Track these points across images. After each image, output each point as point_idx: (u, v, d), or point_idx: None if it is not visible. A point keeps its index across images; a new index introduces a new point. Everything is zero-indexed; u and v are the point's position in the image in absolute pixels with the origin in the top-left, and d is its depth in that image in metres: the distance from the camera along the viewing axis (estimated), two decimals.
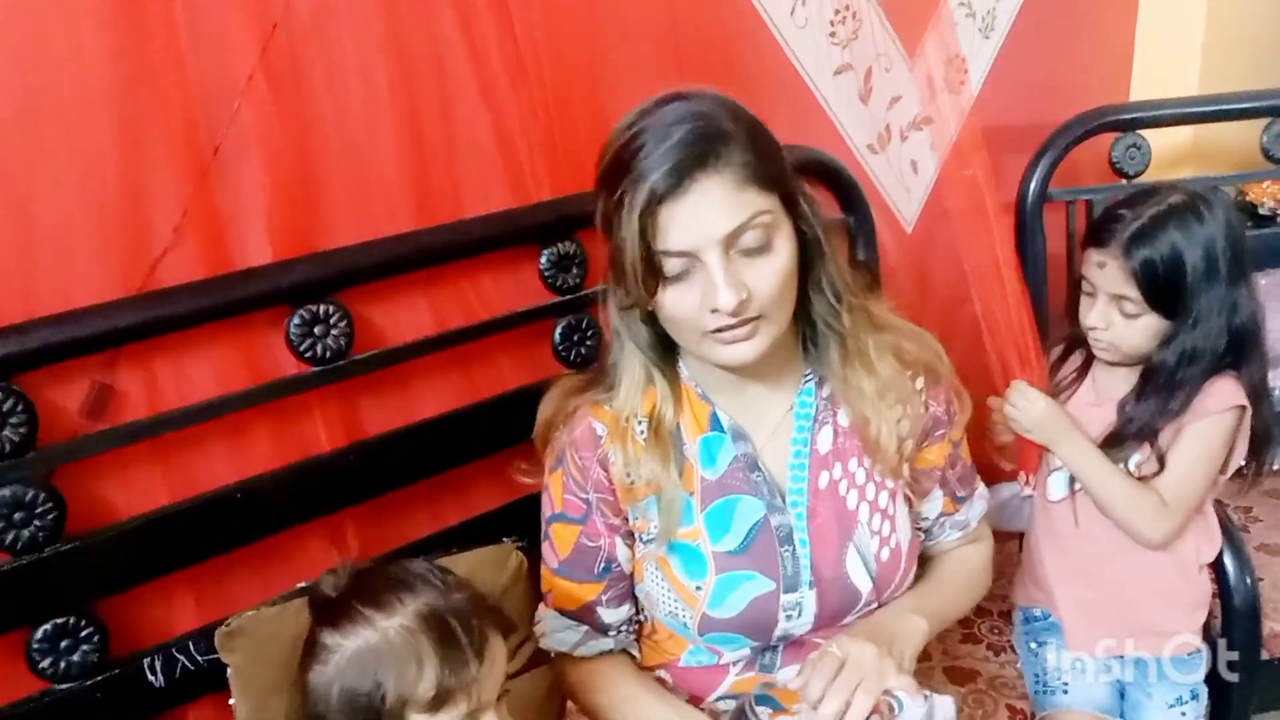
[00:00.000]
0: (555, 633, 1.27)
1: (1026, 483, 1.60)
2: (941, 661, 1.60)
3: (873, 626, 1.20)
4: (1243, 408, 1.45)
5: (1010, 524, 1.67)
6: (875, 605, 1.23)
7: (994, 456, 1.61)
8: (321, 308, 1.38)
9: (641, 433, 1.18)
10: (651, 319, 1.15)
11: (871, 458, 1.20)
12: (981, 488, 1.39)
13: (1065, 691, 1.52)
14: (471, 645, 0.97)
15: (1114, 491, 1.45)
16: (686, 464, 1.20)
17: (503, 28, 1.51)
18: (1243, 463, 1.51)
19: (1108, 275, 1.43)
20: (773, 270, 1.05)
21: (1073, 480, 1.52)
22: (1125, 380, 1.51)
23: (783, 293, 1.07)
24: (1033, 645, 1.59)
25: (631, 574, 1.26)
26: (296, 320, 1.37)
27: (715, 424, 1.20)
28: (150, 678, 1.30)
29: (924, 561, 1.36)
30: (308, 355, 1.39)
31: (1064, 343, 1.62)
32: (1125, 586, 1.52)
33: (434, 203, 1.52)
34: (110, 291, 1.26)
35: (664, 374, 1.18)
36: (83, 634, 1.24)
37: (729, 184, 1.02)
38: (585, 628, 1.25)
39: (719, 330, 1.05)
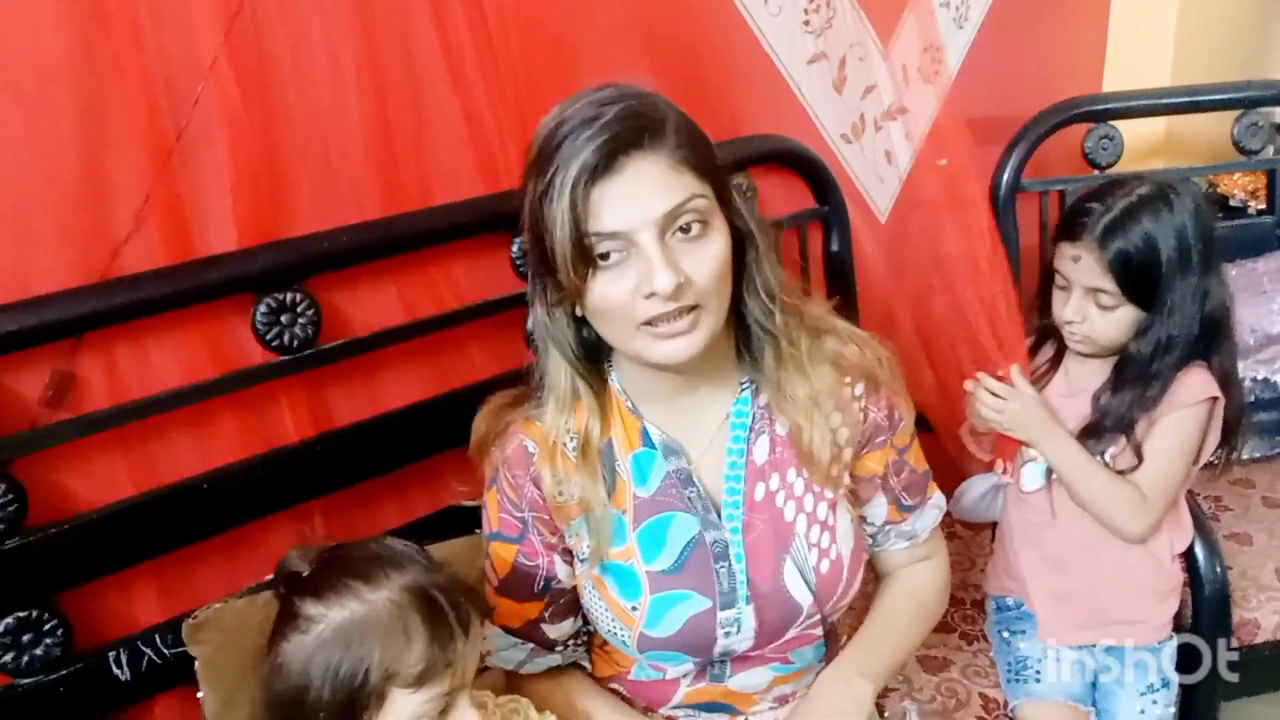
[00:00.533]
0: (501, 651, 1.24)
1: (1005, 471, 1.59)
2: (915, 650, 1.60)
3: (813, 708, 1.19)
4: (1215, 399, 1.46)
5: (986, 515, 1.67)
6: (818, 617, 1.19)
7: (970, 446, 1.61)
8: (288, 295, 1.37)
9: (572, 450, 1.14)
10: (579, 323, 1.11)
11: (805, 468, 1.16)
12: (936, 497, 1.33)
13: (1038, 680, 1.53)
14: (458, 622, 0.96)
15: (1095, 486, 1.46)
16: (619, 481, 1.16)
17: (473, 13, 1.49)
18: (1213, 452, 1.52)
19: (1083, 268, 1.43)
20: (710, 256, 1.02)
21: (1049, 471, 1.52)
22: (1099, 371, 1.52)
23: (719, 282, 1.03)
24: (1005, 634, 1.59)
25: (574, 589, 1.23)
26: (263, 308, 1.35)
27: (646, 439, 1.16)
28: (115, 671, 1.28)
29: (875, 570, 1.35)
30: (274, 344, 1.37)
31: (1035, 335, 1.62)
32: (1098, 578, 1.52)
33: (403, 189, 1.50)
34: (71, 278, 1.24)
35: (591, 386, 1.14)
36: (45, 628, 1.22)
37: (664, 164, 0.99)
38: (531, 645, 1.23)
39: (655, 322, 1.01)
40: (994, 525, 1.69)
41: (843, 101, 2.11)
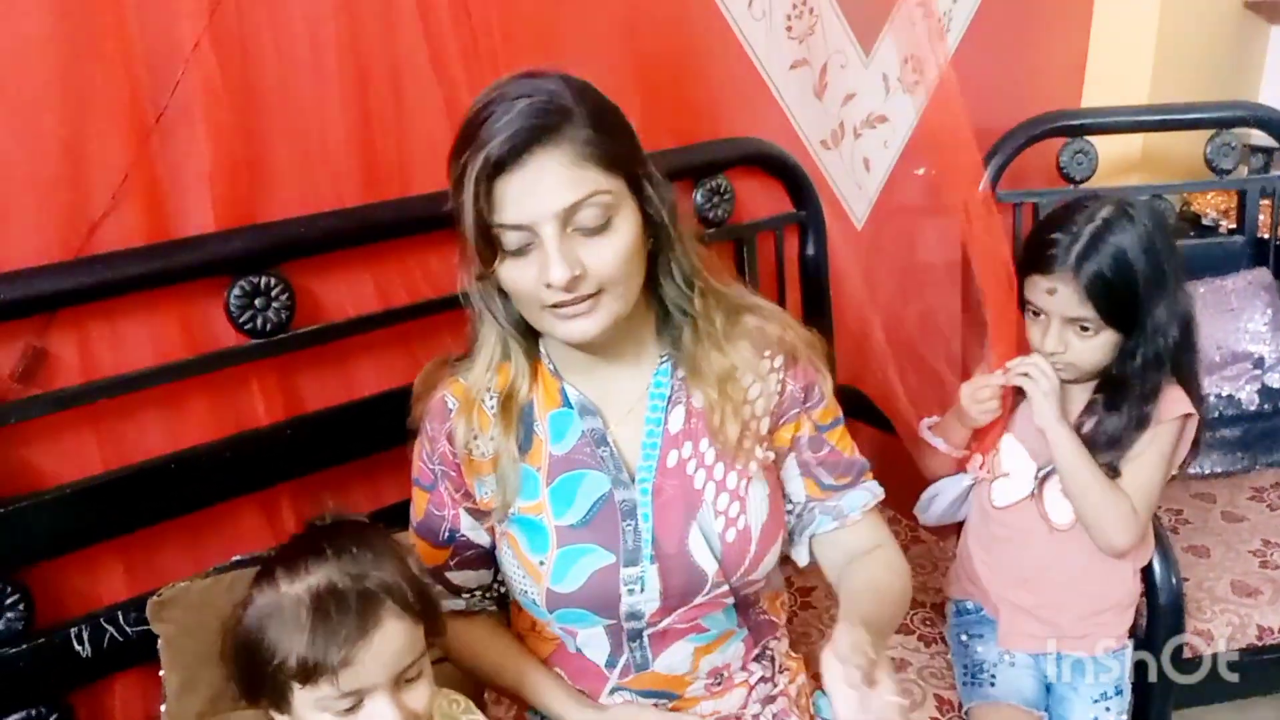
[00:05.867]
0: None
1: (982, 465, 1.60)
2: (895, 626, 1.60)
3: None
4: (1188, 415, 1.48)
5: (953, 519, 1.68)
6: (725, 587, 1.21)
7: (932, 441, 1.61)
8: (263, 279, 1.37)
9: (491, 407, 1.19)
10: (505, 294, 1.15)
11: (712, 439, 1.20)
12: (872, 485, 1.32)
13: (993, 684, 1.54)
14: (358, 627, 0.96)
15: (1096, 491, 1.46)
16: (536, 439, 1.21)
17: (456, 4, 1.50)
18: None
19: (1060, 300, 1.43)
20: (611, 250, 1.06)
21: (1022, 488, 1.53)
22: (1077, 398, 1.52)
23: (623, 272, 1.08)
24: (963, 638, 1.61)
25: (480, 545, 1.28)
26: (237, 291, 1.36)
27: (565, 399, 1.21)
28: (77, 648, 1.28)
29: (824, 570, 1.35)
30: (247, 327, 1.38)
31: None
32: (1066, 591, 1.54)
33: (381, 177, 1.51)
34: (46, 254, 1.24)
35: (521, 348, 1.19)
36: (7, 601, 1.23)
37: (566, 159, 1.03)
38: (439, 586, 1.26)
39: (557, 305, 1.07)
40: (958, 529, 1.70)
41: (823, 108, 2.12)
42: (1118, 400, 1.48)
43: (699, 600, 1.21)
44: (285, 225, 1.41)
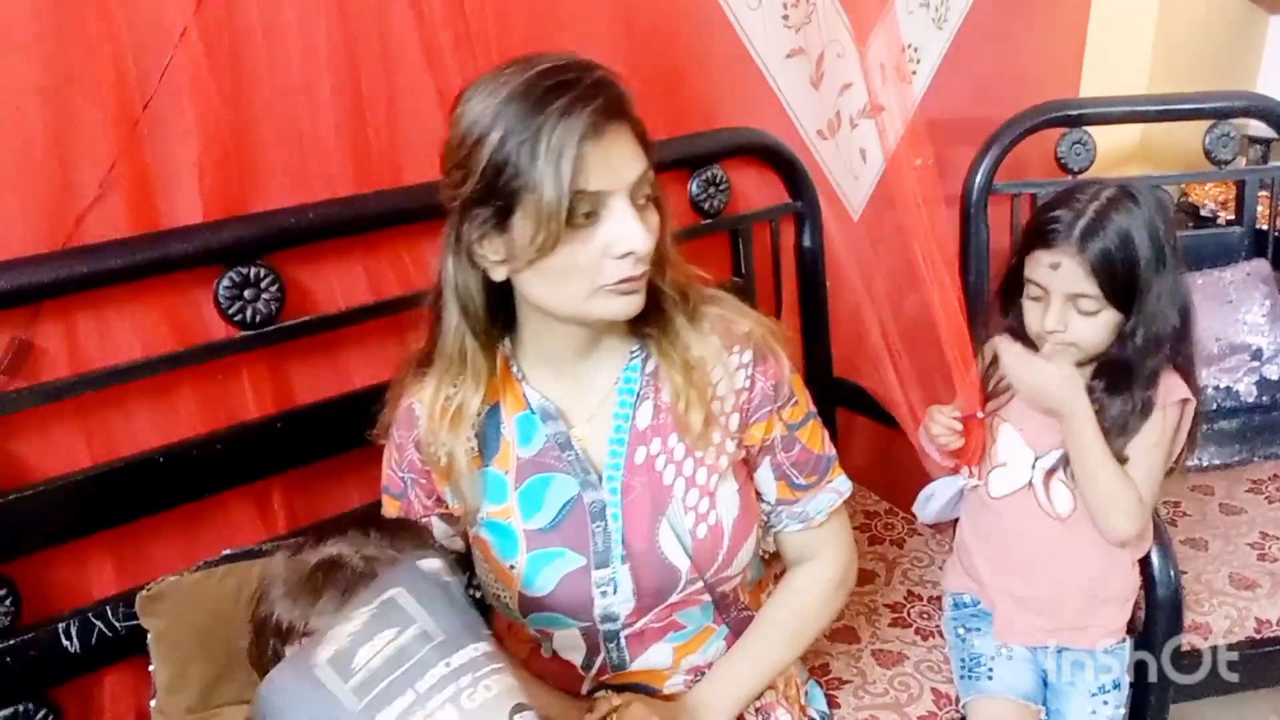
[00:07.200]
0: None
1: (971, 474, 1.59)
2: (870, 644, 1.60)
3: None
4: (1186, 400, 1.47)
5: (946, 515, 1.67)
6: (700, 584, 1.21)
7: (928, 449, 1.61)
8: (252, 270, 1.36)
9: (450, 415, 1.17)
10: (489, 289, 1.12)
11: (681, 433, 1.19)
12: (837, 482, 1.33)
13: (990, 678, 1.53)
14: (342, 602, 0.99)
15: (1108, 478, 1.45)
16: (504, 441, 1.20)
17: None
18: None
19: (1063, 275, 1.43)
20: (656, 226, 1.08)
21: (1018, 479, 1.52)
22: None
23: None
24: (960, 631, 1.60)
25: (455, 550, 1.25)
26: (226, 282, 1.35)
27: (528, 403, 1.20)
28: (65, 642, 1.27)
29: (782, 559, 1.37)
30: (237, 318, 1.37)
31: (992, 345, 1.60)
32: (1064, 583, 1.53)
33: (373, 168, 1.50)
34: (32, 245, 1.23)
35: (484, 350, 1.16)
36: None
37: (632, 136, 1.05)
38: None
39: (618, 281, 1.05)
40: (954, 523, 1.69)
41: (819, 97, 2.11)
42: (1119, 385, 1.46)
43: (673, 599, 1.21)
44: (275, 215, 1.39)
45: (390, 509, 1.26)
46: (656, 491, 1.19)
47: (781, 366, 1.24)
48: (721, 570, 1.22)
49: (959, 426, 1.53)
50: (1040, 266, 1.45)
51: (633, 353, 1.21)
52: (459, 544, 1.26)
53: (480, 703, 0.92)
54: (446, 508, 1.23)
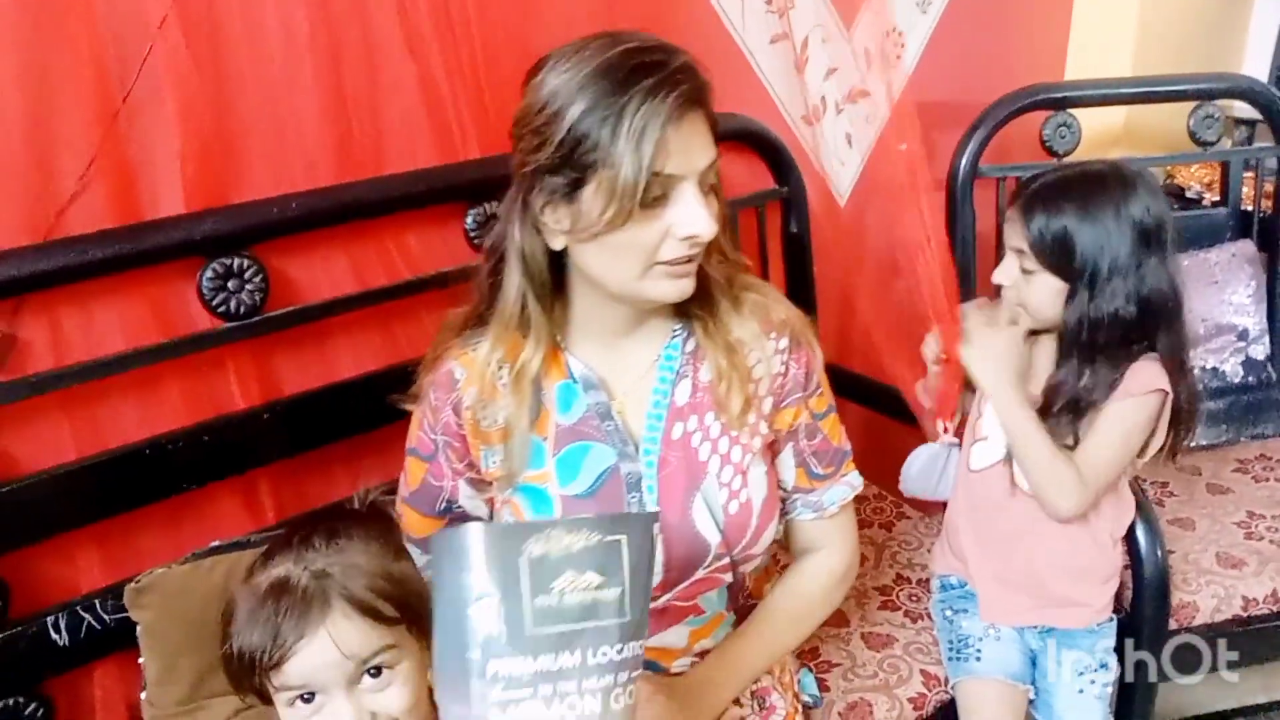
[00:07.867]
0: None
1: (945, 430, 1.60)
2: (860, 627, 1.61)
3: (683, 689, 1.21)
4: (1164, 392, 1.46)
5: (937, 492, 1.67)
6: (726, 560, 1.23)
7: (923, 400, 1.61)
8: (235, 261, 1.36)
9: (502, 378, 1.18)
10: (551, 260, 1.14)
11: (719, 412, 1.22)
12: (851, 476, 1.35)
13: (978, 659, 1.54)
14: (299, 624, 0.95)
15: (1037, 454, 1.46)
16: (543, 409, 1.21)
17: None
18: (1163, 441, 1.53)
19: (1012, 230, 1.46)
20: (717, 212, 1.10)
21: (996, 451, 1.53)
22: (1044, 354, 1.52)
23: None
24: (948, 613, 1.61)
25: (475, 517, 1.27)
26: (209, 273, 1.34)
27: (570, 373, 1.21)
28: (54, 636, 1.27)
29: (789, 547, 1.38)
30: (221, 310, 1.36)
31: None
32: (1041, 560, 1.54)
33: (355, 156, 1.49)
34: (13, 238, 1.22)
35: (542, 319, 1.16)
36: None
37: (707, 124, 1.07)
38: (428, 556, 1.25)
39: (675, 263, 1.08)
40: (943, 506, 1.70)
41: (804, 83, 2.11)
42: (1077, 361, 1.46)
43: (699, 574, 1.22)
44: (258, 206, 1.39)
45: (416, 471, 1.25)
46: (692, 467, 1.21)
47: (815, 356, 1.27)
48: (749, 547, 1.24)
49: (944, 357, 1.55)
50: (1005, 221, 1.50)
51: (675, 331, 1.23)
52: (483, 509, 1.27)
53: (622, 708, 0.85)
54: (477, 472, 1.23)
